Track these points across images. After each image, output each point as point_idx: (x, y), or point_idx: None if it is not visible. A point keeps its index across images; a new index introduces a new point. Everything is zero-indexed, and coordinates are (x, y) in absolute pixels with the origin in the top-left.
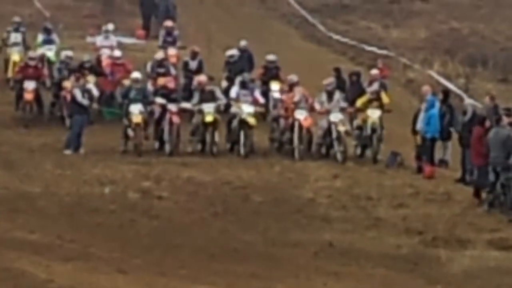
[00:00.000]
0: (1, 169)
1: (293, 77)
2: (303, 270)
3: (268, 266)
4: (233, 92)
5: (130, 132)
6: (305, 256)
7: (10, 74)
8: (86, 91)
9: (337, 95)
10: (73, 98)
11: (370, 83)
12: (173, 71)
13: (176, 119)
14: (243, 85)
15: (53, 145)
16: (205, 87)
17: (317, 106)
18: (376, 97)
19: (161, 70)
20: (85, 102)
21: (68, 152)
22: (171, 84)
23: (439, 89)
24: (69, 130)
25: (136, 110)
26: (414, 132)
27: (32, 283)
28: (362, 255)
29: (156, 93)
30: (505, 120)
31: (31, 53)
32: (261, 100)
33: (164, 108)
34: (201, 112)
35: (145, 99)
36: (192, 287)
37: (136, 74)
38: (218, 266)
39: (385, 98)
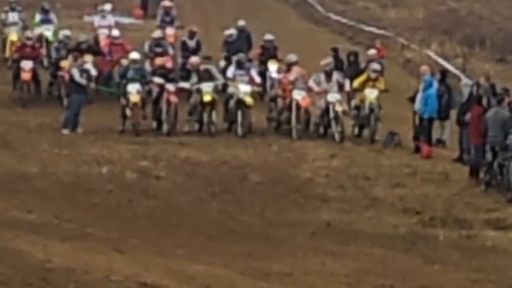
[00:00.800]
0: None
1: (292, 57)
2: (301, 249)
3: (265, 246)
4: (230, 72)
5: (128, 112)
6: (302, 236)
7: (7, 53)
8: (84, 71)
9: (336, 75)
10: (71, 78)
11: (368, 63)
12: (170, 50)
13: (174, 98)
14: (239, 65)
15: (50, 124)
16: (199, 67)
17: (313, 86)
18: (375, 78)
19: (159, 50)
20: (83, 81)
21: (65, 131)
22: (169, 64)
23: (437, 69)
24: (67, 109)
25: (134, 89)
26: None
27: (29, 262)
28: (359, 234)
29: (154, 73)
30: (505, 101)
31: (28, 33)
32: (258, 79)
33: (162, 88)
34: (199, 91)
35: (143, 79)
36: (190, 267)
37: (134, 54)
38: (216, 246)
39: (380, 84)
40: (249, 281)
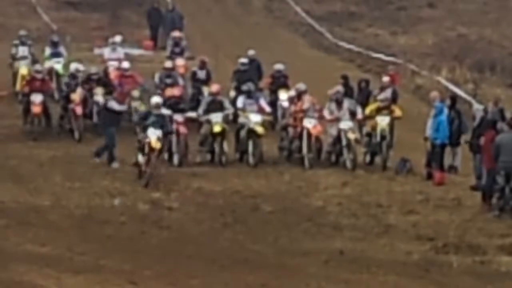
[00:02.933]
0: (11, 183)
1: (302, 86)
2: (314, 278)
3: (279, 276)
4: (240, 102)
5: (141, 159)
6: (315, 264)
7: (18, 87)
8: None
9: (346, 102)
10: (109, 109)
11: (381, 90)
12: (181, 81)
13: (183, 129)
14: (249, 94)
15: (62, 158)
16: (217, 96)
17: (326, 114)
18: (387, 105)
19: (169, 81)
20: (123, 107)
21: (97, 160)
22: (177, 92)
23: (448, 95)
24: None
25: (154, 135)
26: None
27: None
28: (373, 262)
29: (164, 103)
30: None
31: (38, 66)
32: (267, 108)
33: (171, 119)
34: (209, 122)
35: (165, 128)
36: None
37: (156, 99)
38: (229, 276)
39: (397, 111)
40: None
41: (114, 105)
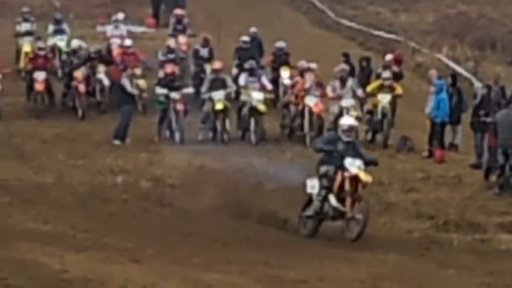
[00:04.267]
0: (14, 160)
1: (304, 63)
2: (316, 257)
3: (281, 254)
4: (242, 79)
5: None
6: (317, 243)
7: (21, 64)
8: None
9: (350, 81)
10: (122, 88)
11: (384, 68)
12: (181, 55)
13: (180, 106)
14: (251, 72)
15: (65, 135)
16: (219, 74)
17: (329, 92)
18: (389, 86)
19: (171, 56)
20: (134, 91)
21: (117, 142)
22: (173, 70)
23: (449, 73)
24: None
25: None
26: None
27: (46, 273)
28: (374, 240)
29: (159, 82)
30: None
31: (40, 43)
32: (269, 86)
33: (167, 97)
34: (211, 100)
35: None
36: (205, 275)
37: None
38: (231, 254)
39: (398, 89)
40: None
41: (127, 84)
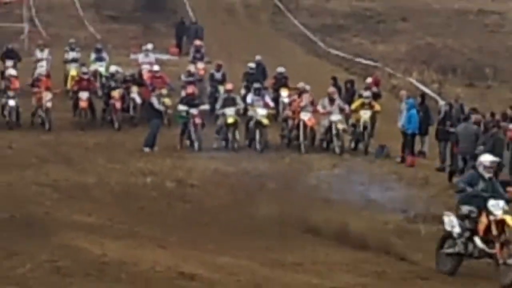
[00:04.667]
0: (62, 164)
1: (303, 85)
2: (309, 243)
3: (280, 241)
4: (249, 98)
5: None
6: (313, 231)
7: (68, 86)
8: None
9: (338, 100)
10: (151, 105)
11: (365, 89)
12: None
13: (198, 120)
14: (256, 92)
15: (104, 144)
16: (230, 94)
17: (320, 109)
18: (369, 103)
19: (191, 79)
20: (161, 108)
21: (147, 149)
22: (194, 90)
23: (418, 93)
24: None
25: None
26: None
27: (89, 257)
28: (358, 230)
29: (181, 101)
30: (473, 117)
31: (84, 69)
32: (271, 104)
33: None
34: (224, 115)
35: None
36: (219, 259)
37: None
38: (240, 242)
39: (377, 107)
40: (267, 270)
41: (155, 102)
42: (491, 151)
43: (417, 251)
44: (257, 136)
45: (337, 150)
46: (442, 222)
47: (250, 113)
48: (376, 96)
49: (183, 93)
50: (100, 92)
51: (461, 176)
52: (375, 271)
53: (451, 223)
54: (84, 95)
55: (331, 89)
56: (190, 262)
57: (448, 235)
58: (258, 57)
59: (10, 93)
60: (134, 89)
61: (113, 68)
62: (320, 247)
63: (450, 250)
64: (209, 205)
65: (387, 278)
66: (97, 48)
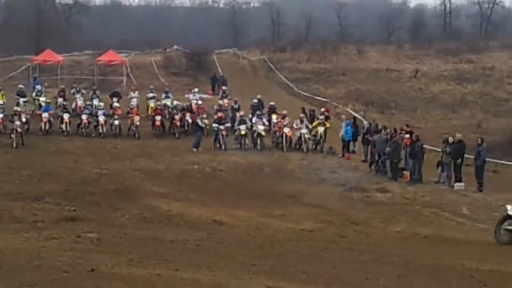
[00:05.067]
0: (146, 158)
1: (285, 112)
2: (291, 203)
3: (270, 201)
4: (254, 120)
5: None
6: (291, 196)
7: (149, 113)
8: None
9: (305, 121)
10: (197, 124)
11: (321, 114)
12: (224, 108)
13: (224, 132)
14: (258, 116)
15: (170, 146)
16: (243, 117)
17: (294, 126)
18: (323, 122)
19: (219, 109)
20: (203, 125)
21: (194, 150)
22: (223, 116)
23: (352, 117)
24: (194, 138)
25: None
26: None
27: (161, 211)
28: (317, 196)
29: (215, 121)
30: (383, 131)
31: (158, 103)
32: (266, 123)
33: (218, 128)
34: (239, 129)
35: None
36: (236, 212)
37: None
38: (248, 203)
39: (327, 125)
40: (264, 219)
41: (199, 122)
42: (394, 151)
43: (352, 209)
44: (258, 142)
45: (305, 150)
46: (506, 209)
47: (254, 128)
48: (327, 118)
49: (215, 117)
50: (167, 116)
51: None
52: (326, 220)
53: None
54: (158, 118)
55: (301, 115)
56: (219, 214)
57: (508, 216)
58: (258, 96)
59: (116, 117)
60: (187, 114)
61: (175, 102)
62: (294, 206)
63: (510, 227)
64: (230, 182)
65: (333, 224)
66: (165, 90)
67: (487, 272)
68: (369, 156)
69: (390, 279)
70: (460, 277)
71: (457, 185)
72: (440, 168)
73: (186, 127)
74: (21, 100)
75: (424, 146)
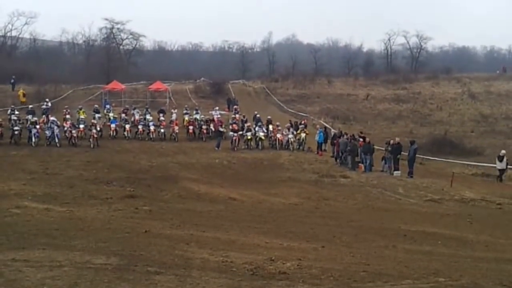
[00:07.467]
0: (182, 155)
1: (278, 123)
2: (283, 185)
3: (268, 184)
4: (256, 128)
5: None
6: (282, 181)
7: (184, 124)
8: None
9: (291, 129)
10: (218, 131)
11: (301, 124)
12: (236, 121)
13: (236, 138)
14: (259, 126)
15: (199, 147)
16: (249, 127)
17: (284, 133)
18: (303, 130)
19: (233, 121)
20: (224, 130)
21: (216, 149)
22: (236, 126)
23: (324, 126)
24: (215, 141)
25: (249, 134)
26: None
27: (193, 191)
28: (299, 180)
29: (231, 130)
30: (345, 136)
31: (191, 117)
32: (265, 131)
33: (233, 135)
34: (246, 135)
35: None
36: (244, 191)
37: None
38: (252, 185)
39: (307, 132)
40: (264, 196)
41: (221, 129)
42: (352, 150)
43: (323, 189)
44: (259, 144)
45: (291, 149)
46: None
47: (256, 134)
48: (306, 127)
49: (230, 127)
50: (197, 126)
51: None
52: (306, 197)
53: None
54: (190, 128)
55: (288, 125)
56: (233, 193)
57: None
58: (256, 113)
59: (162, 127)
60: (211, 125)
61: (202, 117)
62: (285, 187)
63: None
64: (240, 171)
65: (311, 199)
66: (196, 108)
67: (415, 232)
68: (335, 153)
69: (350, 236)
70: (397, 235)
71: (396, 173)
72: (384, 161)
73: (210, 134)
74: (96, 115)
75: (373, 146)
